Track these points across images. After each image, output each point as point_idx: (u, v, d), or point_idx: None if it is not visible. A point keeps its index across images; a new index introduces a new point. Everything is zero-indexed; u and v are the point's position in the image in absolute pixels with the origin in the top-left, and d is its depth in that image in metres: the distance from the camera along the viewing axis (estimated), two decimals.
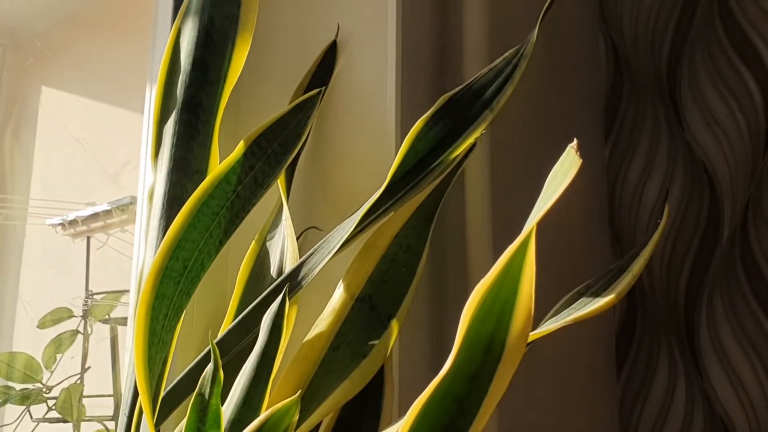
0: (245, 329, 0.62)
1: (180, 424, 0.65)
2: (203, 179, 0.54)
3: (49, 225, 1.87)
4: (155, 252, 0.52)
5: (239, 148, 0.53)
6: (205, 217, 0.51)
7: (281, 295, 0.58)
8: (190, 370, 0.61)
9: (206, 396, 0.37)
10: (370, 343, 0.63)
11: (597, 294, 0.55)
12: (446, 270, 0.70)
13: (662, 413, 0.94)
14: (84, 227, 1.80)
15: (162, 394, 0.57)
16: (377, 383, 0.63)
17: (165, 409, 0.59)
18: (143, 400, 0.45)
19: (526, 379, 0.77)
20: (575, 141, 0.34)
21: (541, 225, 0.33)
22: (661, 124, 0.98)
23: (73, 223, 1.84)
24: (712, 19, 0.97)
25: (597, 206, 0.99)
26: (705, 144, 0.95)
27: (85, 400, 1.14)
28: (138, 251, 0.85)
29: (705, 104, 0.95)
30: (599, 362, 0.93)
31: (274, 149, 0.55)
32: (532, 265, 0.34)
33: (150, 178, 0.55)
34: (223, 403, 0.48)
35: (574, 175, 0.33)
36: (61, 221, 1.84)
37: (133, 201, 1.69)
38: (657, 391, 0.94)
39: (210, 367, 0.39)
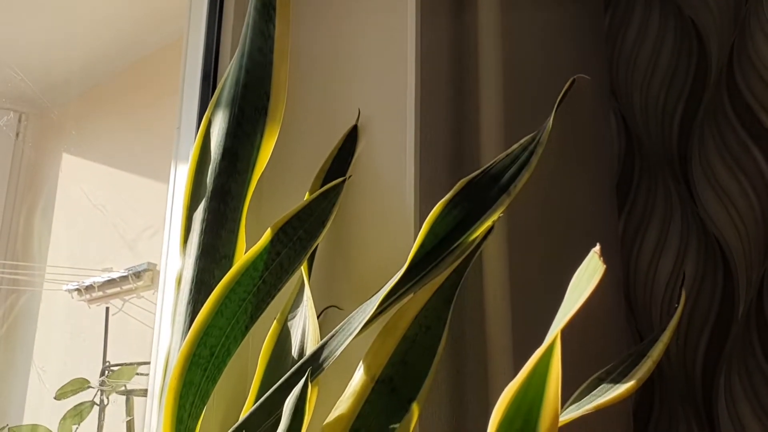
0: (267, 412, 0.62)
1: None
2: (230, 264, 0.56)
3: (65, 291, 1.89)
4: (182, 337, 0.53)
5: (266, 236, 0.54)
6: (232, 304, 0.53)
7: (304, 378, 0.59)
8: None
9: None
10: (391, 426, 0.63)
11: (617, 380, 0.56)
12: (465, 351, 0.71)
13: None
14: (100, 293, 1.82)
15: None
16: None
17: None
18: None
19: None
20: (598, 246, 0.36)
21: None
22: (673, 199, 1.00)
23: (89, 288, 1.85)
24: (721, 96, 0.99)
25: (612, 281, 0.99)
26: (717, 219, 0.96)
27: None
28: (159, 325, 0.86)
29: (716, 180, 0.96)
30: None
31: (299, 236, 0.56)
32: (557, 369, 0.35)
33: (178, 263, 0.57)
34: None
35: (598, 281, 0.34)
36: (77, 287, 1.86)
37: (149, 267, 1.71)
38: None
39: None
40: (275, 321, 0.71)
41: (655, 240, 1.00)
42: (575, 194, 0.87)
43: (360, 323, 0.63)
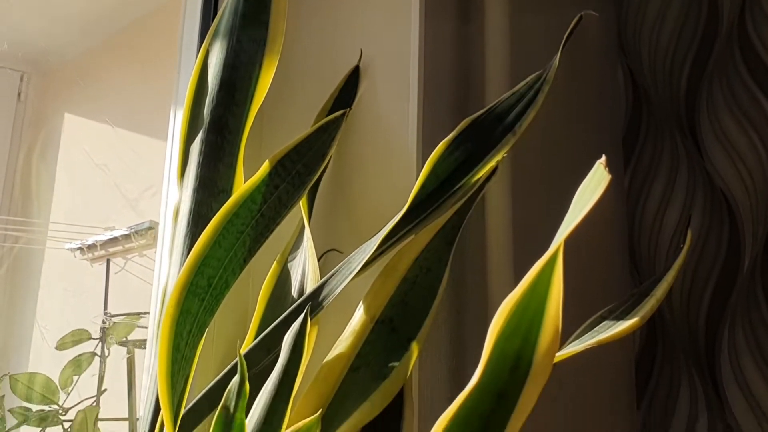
0: (266, 349, 0.62)
1: None
2: (228, 198, 0.55)
3: (68, 249, 1.89)
4: (180, 269, 0.52)
5: (264, 168, 0.53)
6: (230, 236, 0.52)
7: (303, 314, 0.59)
8: (211, 388, 0.61)
9: (231, 410, 0.37)
10: (390, 364, 0.63)
11: (620, 318, 0.55)
12: (466, 293, 0.70)
13: None
14: (102, 252, 1.82)
15: (182, 411, 0.57)
16: (397, 405, 0.63)
17: (185, 427, 0.59)
18: (165, 416, 0.45)
19: (547, 407, 0.76)
20: (603, 157, 0.35)
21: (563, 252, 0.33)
22: (680, 153, 0.99)
23: (91, 247, 1.85)
24: (731, 49, 0.97)
25: (616, 235, 0.98)
26: (725, 173, 0.95)
27: (100, 424, 1.14)
28: (159, 273, 0.85)
29: (724, 134, 0.95)
30: (619, 391, 0.92)
31: (298, 170, 0.55)
32: (559, 282, 0.34)
33: (175, 197, 0.56)
34: None
35: (603, 191, 0.33)
36: (80, 246, 1.86)
37: (152, 226, 1.70)
38: (678, 423, 0.93)
39: (236, 380, 0.39)
40: (275, 262, 0.71)
41: (661, 194, 0.98)
42: (581, 143, 0.86)
43: (359, 263, 0.62)
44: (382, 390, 0.61)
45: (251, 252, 0.54)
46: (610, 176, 0.33)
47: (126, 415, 1.13)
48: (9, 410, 1.10)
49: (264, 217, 0.53)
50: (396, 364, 0.62)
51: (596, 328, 0.55)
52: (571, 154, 0.83)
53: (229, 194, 0.56)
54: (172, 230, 0.56)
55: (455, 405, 0.35)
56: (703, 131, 0.97)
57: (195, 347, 0.51)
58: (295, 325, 0.58)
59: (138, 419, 0.98)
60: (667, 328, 0.96)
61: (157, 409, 0.51)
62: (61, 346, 1.11)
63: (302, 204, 0.67)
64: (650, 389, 0.95)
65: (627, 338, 0.96)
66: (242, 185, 0.54)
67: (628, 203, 1.01)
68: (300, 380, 0.60)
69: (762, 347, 0.87)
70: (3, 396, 1.11)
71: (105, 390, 1.12)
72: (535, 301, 0.34)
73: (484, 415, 0.35)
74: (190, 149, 0.56)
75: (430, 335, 0.66)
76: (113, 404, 1.14)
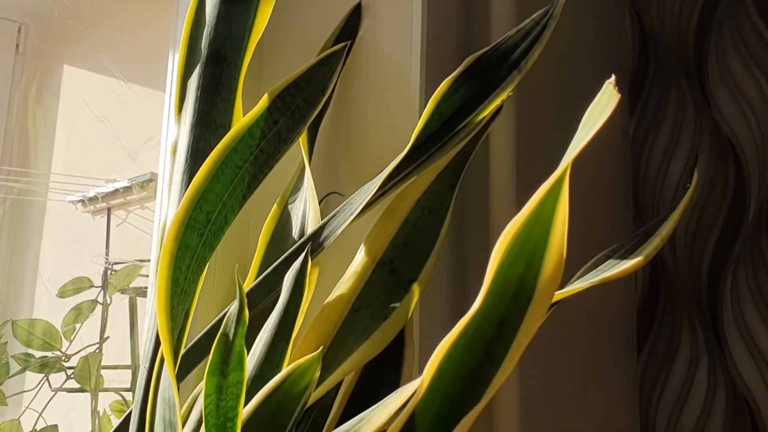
0: (267, 288, 0.61)
1: (199, 385, 0.65)
2: (226, 134, 0.54)
3: (69, 202, 1.89)
4: (178, 205, 0.51)
5: (263, 102, 0.52)
6: (229, 170, 0.51)
7: (303, 253, 0.58)
8: (212, 327, 0.61)
9: (230, 336, 0.37)
10: (391, 305, 0.62)
11: (624, 257, 0.54)
12: (468, 236, 0.70)
13: (683, 392, 0.92)
14: (104, 204, 1.81)
15: (183, 350, 0.57)
16: (397, 345, 0.62)
17: (185, 366, 0.59)
18: (165, 349, 0.45)
19: (547, 353, 0.76)
20: (613, 77, 0.33)
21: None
22: (687, 100, 0.97)
23: (93, 200, 1.85)
24: None
25: (620, 183, 0.97)
26: (731, 120, 0.93)
27: (102, 372, 1.15)
28: (159, 223, 0.85)
29: (732, 79, 0.93)
30: (621, 338, 0.92)
31: (298, 104, 0.54)
32: (565, 204, 0.33)
33: (173, 133, 0.55)
34: None
35: (612, 110, 0.32)
36: (81, 198, 1.85)
37: (153, 177, 1.69)
38: (678, 369, 0.93)
39: (235, 306, 0.39)
40: (275, 204, 0.70)
41: (666, 142, 0.97)
42: (586, 86, 0.84)
43: (361, 204, 0.61)
44: (383, 330, 0.61)
45: (250, 188, 0.53)
46: (619, 95, 0.32)
47: (128, 363, 1.14)
48: (12, 356, 1.10)
49: (263, 152, 0.52)
50: (397, 305, 0.62)
51: (600, 266, 0.54)
52: (577, 95, 0.81)
53: (227, 130, 0.55)
54: (170, 167, 0.55)
55: (456, 330, 0.35)
56: (711, 77, 0.95)
57: (195, 282, 0.50)
58: (296, 265, 0.58)
59: (140, 366, 0.98)
60: (670, 276, 0.96)
61: (157, 344, 0.51)
62: (62, 293, 1.11)
63: (303, 144, 0.66)
64: (651, 337, 0.95)
65: (629, 286, 0.95)
66: (241, 120, 0.53)
67: (633, 151, 1.00)
68: (301, 321, 0.60)
69: (764, 294, 0.87)
70: (6, 342, 1.12)
71: (107, 337, 1.13)
72: (541, 224, 0.33)
73: (485, 341, 0.35)
74: (188, 84, 0.55)
75: (432, 278, 0.66)
76: (115, 352, 1.14)
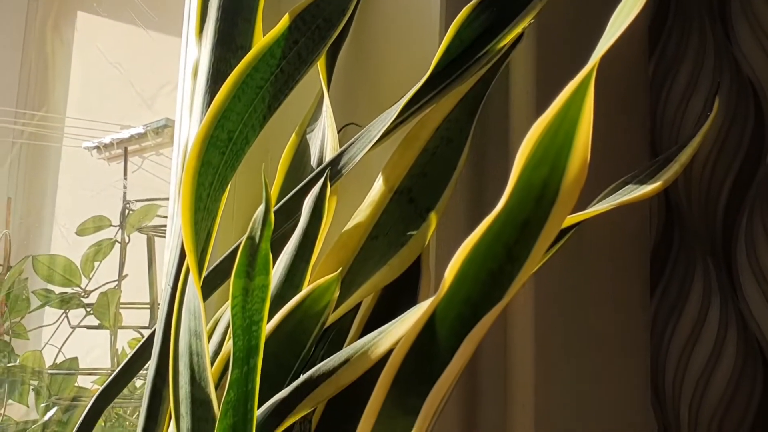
0: (286, 215, 0.62)
1: (221, 309, 0.66)
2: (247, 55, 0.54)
3: (84, 148, 1.90)
4: (200, 125, 0.52)
5: (283, 22, 0.52)
6: (250, 90, 0.51)
7: (323, 178, 0.59)
8: (233, 251, 0.62)
9: (256, 239, 0.38)
10: (408, 233, 0.63)
11: (643, 182, 0.55)
12: (486, 167, 0.70)
13: (694, 332, 0.93)
14: (119, 150, 1.82)
15: (204, 272, 0.58)
16: (414, 272, 0.63)
17: (206, 288, 0.60)
18: (190, 260, 0.45)
19: (561, 291, 0.77)
20: None
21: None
22: (708, 38, 0.96)
23: (108, 146, 1.86)
24: None
25: (637, 123, 0.97)
26: (753, 60, 0.92)
27: (121, 311, 1.17)
28: (176, 166, 0.85)
29: (755, 16, 0.91)
30: (634, 280, 0.93)
31: (318, 24, 0.54)
32: (590, 107, 0.33)
33: (194, 54, 0.55)
34: None
35: (639, 9, 0.32)
36: (96, 145, 1.86)
37: (168, 124, 1.70)
38: (690, 309, 0.94)
39: (261, 209, 0.39)
40: (294, 134, 0.70)
41: (686, 81, 0.96)
42: (607, 16, 0.83)
43: (379, 131, 0.62)
44: (400, 256, 0.61)
45: (270, 109, 0.53)
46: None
47: (146, 301, 1.16)
48: (33, 292, 1.13)
49: (283, 72, 0.52)
50: (414, 232, 0.63)
51: (619, 191, 0.54)
52: (597, 31, 0.80)
53: (247, 51, 0.55)
54: (191, 89, 0.55)
55: (478, 233, 0.35)
56: (734, 15, 0.94)
57: (217, 201, 0.51)
58: (315, 189, 0.58)
59: (159, 304, 0.99)
60: (684, 217, 0.96)
61: (180, 262, 0.52)
62: (81, 231, 1.12)
63: (321, 71, 0.66)
64: (664, 278, 0.96)
65: (644, 227, 0.96)
66: (261, 40, 0.53)
67: (651, 92, 0.99)
68: (320, 245, 0.61)
69: None
70: (27, 279, 1.14)
71: (126, 275, 1.15)
72: (566, 125, 0.33)
73: (508, 243, 0.35)
74: (209, 5, 0.55)
75: (449, 208, 0.66)
76: (133, 291, 1.16)
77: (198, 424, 0.47)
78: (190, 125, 0.55)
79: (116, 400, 1.10)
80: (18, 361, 1.04)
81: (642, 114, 0.98)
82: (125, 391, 1.14)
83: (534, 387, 0.66)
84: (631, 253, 0.91)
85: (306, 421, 0.58)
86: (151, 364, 0.54)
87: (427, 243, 0.63)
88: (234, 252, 0.62)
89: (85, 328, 1.14)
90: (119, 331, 1.14)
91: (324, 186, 0.57)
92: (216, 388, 0.50)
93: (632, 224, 0.91)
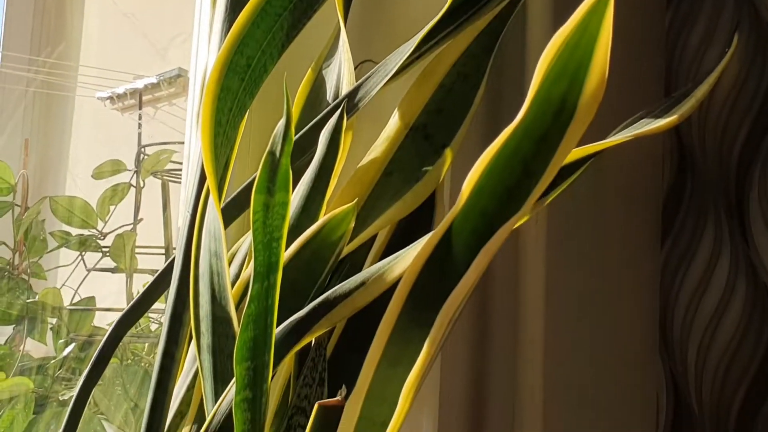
0: (302, 149, 0.63)
1: (239, 241, 0.67)
2: None
3: (98, 98, 1.90)
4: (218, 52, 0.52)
5: None
6: (268, 17, 0.52)
7: (339, 110, 0.59)
8: (250, 182, 0.62)
9: (277, 154, 0.38)
10: (423, 169, 0.64)
11: (659, 116, 0.55)
12: (502, 104, 0.70)
13: (704, 281, 0.94)
14: (132, 101, 1.82)
15: (222, 203, 0.59)
16: (428, 209, 0.64)
17: (224, 219, 0.61)
18: (210, 182, 0.46)
19: (574, 234, 0.77)
20: None
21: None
22: None
23: (121, 96, 1.86)
24: None
25: (653, 74, 0.96)
26: None
27: (137, 255, 1.19)
28: (190, 127, 0.86)
29: None
30: (645, 228, 0.93)
31: None
32: (610, 22, 0.33)
33: None
34: None
35: None
36: (109, 95, 1.86)
37: (181, 74, 1.70)
38: (700, 259, 0.94)
39: (281, 123, 0.40)
40: (310, 69, 0.70)
41: (703, 30, 0.95)
42: None
43: (396, 64, 0.62)
44: (415, 191, 0.62)
45: (289, 38, 0.53)
46: None
47: (161, 245, 1.17)
48: (50, 233, 1.14)
49: (302, 1, 0.53)
50: (429, 168, 0.63)
51: (635, 125, 0.55)
52: None
53: None
54: (210, 17, 0.55)
55: (496, 145, 0.36)
56: None
57: (235, 129, 0.51)
58: (332, 121, 0.59)
59: (174, 248, 1.01)
60: (698, 166, 0.96)
61: (200, 186, 0.53)
62: (98, 174, 1.14)
63: (338, 4, 0.66)
64: (676, 226, 0.96)
65: (656, 175, 0.96)
66: None
67: (667, 43, 0.98)
68: (336, 177, 0.62)
69: None
70: (44, 220, 1.16)
71: (141, 219, 1.16)
72: (586, 39, 0.34)
73: (525, 158, 0.36)
74: None
75: (464, 145, 0.67)
76: (148, 237, 1.18)
77: (219, 340, 0.49)
78: (208, 55, 0.55)
79: (133, 338, 1.13)
80: (37, 297, 1.06)
81: (658, 65, 0.97)
82: (142, 330, 1.16)
83: (544, 326, 0.68)
84: (643, 199, 0.92)
85: (321, 347, 0.59)
86: (171, 289, 0.56)
87: (441, 179, 0.64)
88: (250, 185, 0.63)
89: (101, 271, 1.16)
90: (135, 275, 1.16)
91: (341, 118, 0.58)
92: (236, 310, 0.52)
93: (646, 169, 0.92)
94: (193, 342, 0.50)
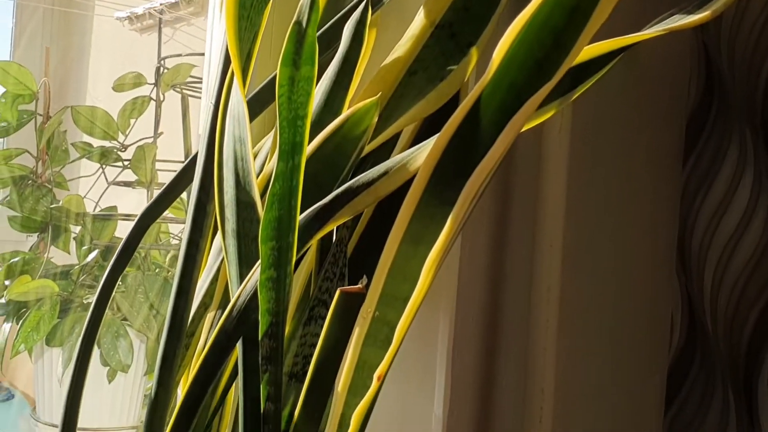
0: (326, 43, 0.62)
1: (260, 142, 0.67)
2: None
3: (116, 18, 1.88)
4: None
5: None
6: None
7: (363, 3, 0.58)
8: (271, 79, 0.62)
9: (303, 24, 0.38)
10: (448, 68, 0.63)
11: (691, 12, 0.54)
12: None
13: (725, 200, 0.93)
14: (151, 21, 1.81)
15: (246, 91, 0.59)
16: (453, 109, 0.64)
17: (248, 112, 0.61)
18: (234, 66, 0.46)
19: (596, 128, 0.77)
20: None
21: None
22: None
23: (140, 17, 1.84)
24: None
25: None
26: None
27: (157, 170, 1.19)
28: (210, 46, 0.85)
29: None
30: (669, 138, 0.92)
31: None
32: None
33: None
34: None
35: None
36: (128, 14, 1.85)
37: None
38: (722, 178, 0.94)
39: None
40: None
41: None
42: None
43: None
44: (439, 90, 0.62)
45: None
46: None
47: (181, 159, 1.18)
48: (72, 144, 1.15)
49: None
50: (454, 68, 0.63)
51: (667, 20, 0.54)
52: None
53: None
54: None
55: (526, 15, 0.35)
56: None
57: (260, 13, 0.51)
58: (356, 14, 0.58)
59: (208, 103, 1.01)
60: (725, 85, 0.94)
61: (224, 72, 0.53)
62: (118, 87, 1.13)
63: None
64: (699, 144, 0.96)
65: (682, 93, 0.94)
66: None
67: None
68: (360, 73, 0.61)
69: None
70: (65, 131, 1.16)
71: (161, 133, 1.16)
72: None
73: (555, 29, 0.36)
74: None
75: (490, 44, 0.66)
76: (167, 151, 1.18)
77: (243, 224, 0.49)
78: None
79: (154, 247, 1.15)
80: (60, 202, 1.08)
81: None
82: (162, 241, 1.18)
83: (563, 229, 0.68)
84: (668, 115, 0.90)
85: (342, 244, 0.60)
86: (195, 179, 0.56)
87: (466, 79, 0.63)
88: (272, 81, 0.63)
89: (121, 186, 1.17)
90: (155, 191, 1.17)
91: (365, 10, 0.57)
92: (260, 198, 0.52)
93: (672, 83, 0.90)
94: (219, 234, 0.51)
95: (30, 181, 1.06)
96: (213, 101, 0.55)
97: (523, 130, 0.51)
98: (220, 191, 0.51)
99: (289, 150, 0.42)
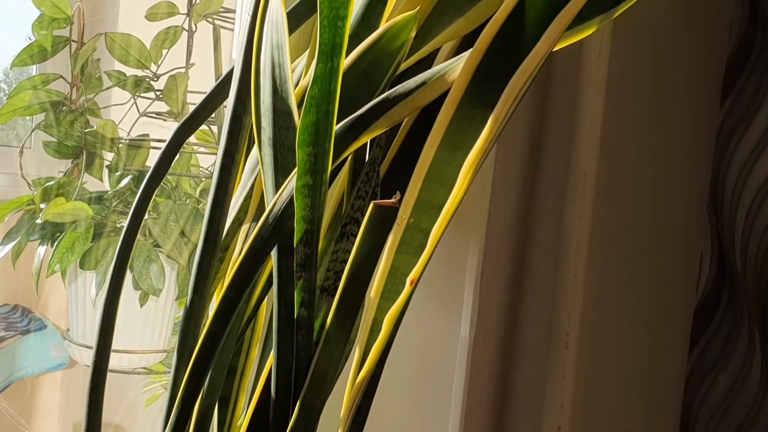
0: None
1: (297, 59, 0.67)
2: None
3: None
4: None
5: None
6: None
7: None
8: None
9: None
10: None
11: None
12: None
13: (760, 144, 0.92)
14: None
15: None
16: None
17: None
18: None
19: (635, 62, 0.76)
20: None
21: None
22: None
23: None
24: None
25: None
26: None
27: (188, 105, 1.20)
28: None
29: None
30: (708, 83, 0.90)
31: None
32: None
33: None
34: None
35: None
36: None
37: None
38: (760, 120, 0.92)
39: None
40: None
41: None
42: None
43: None
44: (478, 8, 0.61)
45: None
46: None
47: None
48: (105, 72, 1.16)
49: None
50: None
51: None
52: None
53: None
54: None
55: None
56: None
57: None
58: None
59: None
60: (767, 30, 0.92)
61: None
62: (151, 16, 1.13)
63: None
64: (737, 87, 0.94)
65: (724, 34, 0.92)
66: None
67: None
68: None
69: None
70: (99, 59, 1.17)
71: (193, 64, 1.17)
72: None
73: None
74: None
75: None
76: (199, 83, 1.19)
77: (279, 132, 0.50)
78: None
79: (185, 174, 1.16)
80: (95, 127, 1.09)
81: None
82: (195, 171, 1.19)
83: (597, 158, 0.67)
84: (708, 51, 0.89)
85: (375, 163, 0.60)
86: (231, 92, 0.57)
87: None
88: None
89: (153, 117, 1.18)
90: None
91: None
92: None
93: (715, 23, 0.88)
94: (255, 147, 0.51)
95: (65, 107, 1.07)
96: (250, 13, 0.55)
97: (564, 45, 0.51)
98: (257, 100, 0.51)
99: (329, 51, 0.42)
